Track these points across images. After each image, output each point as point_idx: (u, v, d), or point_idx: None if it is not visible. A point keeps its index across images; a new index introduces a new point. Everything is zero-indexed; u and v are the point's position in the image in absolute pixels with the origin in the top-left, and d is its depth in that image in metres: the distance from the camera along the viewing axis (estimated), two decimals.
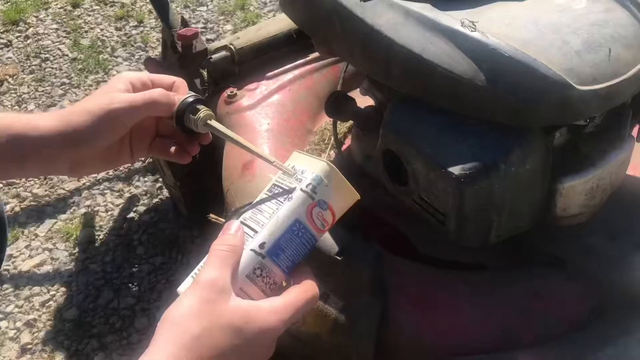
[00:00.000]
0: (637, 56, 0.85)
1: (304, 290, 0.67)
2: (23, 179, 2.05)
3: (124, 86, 0.76)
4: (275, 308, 0.63)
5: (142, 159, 2.09)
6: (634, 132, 1.01)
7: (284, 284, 0.69)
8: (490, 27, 0.85)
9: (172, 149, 0.82)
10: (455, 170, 0.84)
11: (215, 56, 1.47)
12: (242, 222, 0.69)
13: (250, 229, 0.68)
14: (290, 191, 0.68)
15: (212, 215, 1.14)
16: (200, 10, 2.89)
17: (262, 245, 0.66)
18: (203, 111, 0.75)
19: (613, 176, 0.98)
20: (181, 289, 0.67)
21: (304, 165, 0.70)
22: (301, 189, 0.68)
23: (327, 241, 1.02)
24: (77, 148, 0.74)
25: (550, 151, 0.89)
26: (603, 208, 1.03)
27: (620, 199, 1.06)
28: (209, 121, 0.76)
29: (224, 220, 1.19)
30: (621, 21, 0.86)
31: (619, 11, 0.87)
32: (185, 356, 0.57)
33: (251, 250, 0.66)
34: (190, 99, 0.75)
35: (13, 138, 0.72)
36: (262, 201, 0.71)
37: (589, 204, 0.98)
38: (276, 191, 0.70)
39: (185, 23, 1.54)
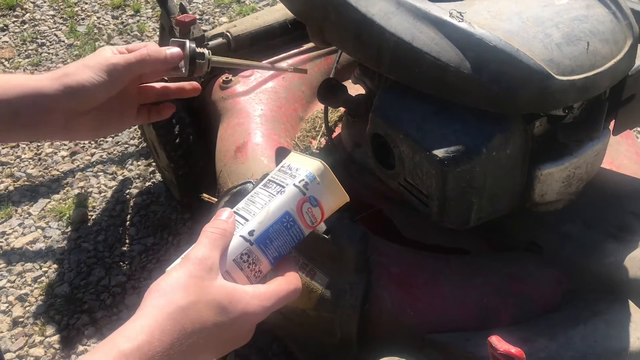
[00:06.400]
0: (614, 50, 0.90)
1: (288, 281, 0.68)
2: (17, 159, 2.07)
3: (111, 52, 0.80)
4: (258, 294, 0.65)
5: (133, 138, 2.12)
6: (610, 126, 1.06)
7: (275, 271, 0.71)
8: (477, 19, 0.90)
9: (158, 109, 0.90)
10: (440, 153, 0.89)
11: (212, 42, 1.51)
12: (235, 212, 0.71)
13: (242, 218, 0.70)
14: (283, 186, 0.71)
15: (205, 195, 1.19)
16: (197, 2, 2.92)
17: (251, 233, 0.68)
18: (206, 52, 0.85)
19: (589, 166, 1.03)
20: (170, 268, 0.67)
21: (299, 164, 0.74)
22: (294, 184, 0.71)
23: None
24: (75, 98, 0.76)
25: (530, 138, 0.94)
26: (580, 198, 1.08)
27: (597, 190, 1.11)
28: (213, 58, 0.87)
29: (216, 199, 1.23)
30: (600, 17, 0.91)
31: (599, 8, 0.93)
32: (169, 325, 0.58)
33: (240, 236, 0.68)
34: (192, 45, 0.84)
35: (7, 90, 0.74)
36: (256, 194, 0.73)
37: (566, 192, 1.03)
38: (270, 186, 0.73)
39: (183, 10, 1.58)
